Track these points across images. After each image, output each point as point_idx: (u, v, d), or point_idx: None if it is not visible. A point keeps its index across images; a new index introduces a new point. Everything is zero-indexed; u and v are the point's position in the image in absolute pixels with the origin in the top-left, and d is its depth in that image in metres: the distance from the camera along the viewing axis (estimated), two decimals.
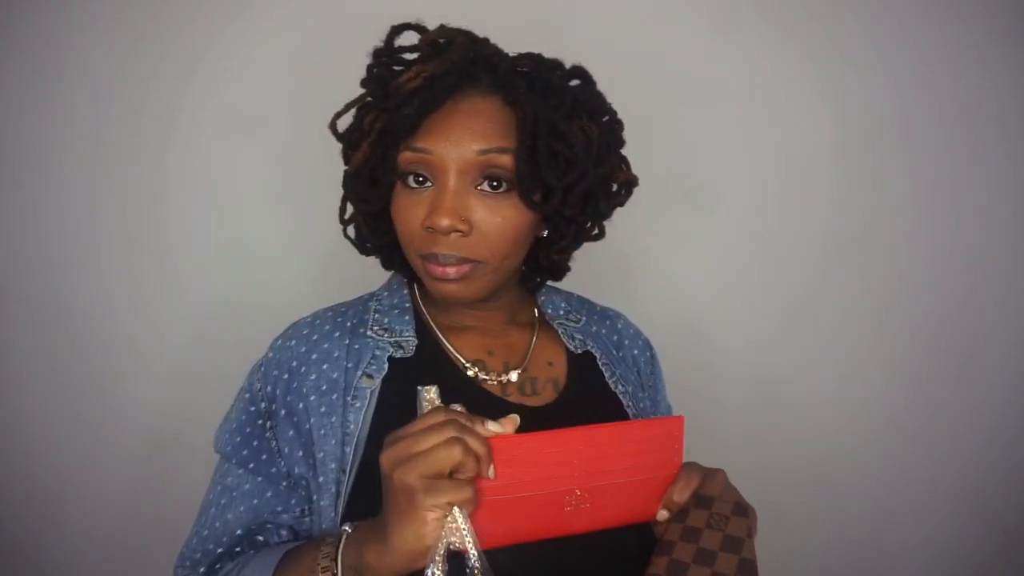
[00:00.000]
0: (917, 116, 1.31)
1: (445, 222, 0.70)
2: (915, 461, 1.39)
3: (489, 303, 0.82)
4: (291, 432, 0.76)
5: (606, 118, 0.78)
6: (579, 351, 0.84)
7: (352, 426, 0.74)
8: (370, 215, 0.79)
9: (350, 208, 0.83)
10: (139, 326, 1.25)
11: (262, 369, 0.80)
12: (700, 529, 0.67)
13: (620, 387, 0.84)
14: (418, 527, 0.57)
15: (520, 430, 0.67)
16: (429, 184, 0.72)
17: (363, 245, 0.85)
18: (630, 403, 0.83)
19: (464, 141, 0.71)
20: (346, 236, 0.84)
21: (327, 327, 0.81)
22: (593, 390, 0.83)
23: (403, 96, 0.72)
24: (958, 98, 1.30)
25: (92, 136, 1.20)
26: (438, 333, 0.82)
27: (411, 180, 0.73)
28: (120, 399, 1.26)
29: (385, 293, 0.86)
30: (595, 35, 1.20)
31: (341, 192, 0.80)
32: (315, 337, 0.79)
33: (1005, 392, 1.39)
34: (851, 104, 1.30)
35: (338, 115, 0.77)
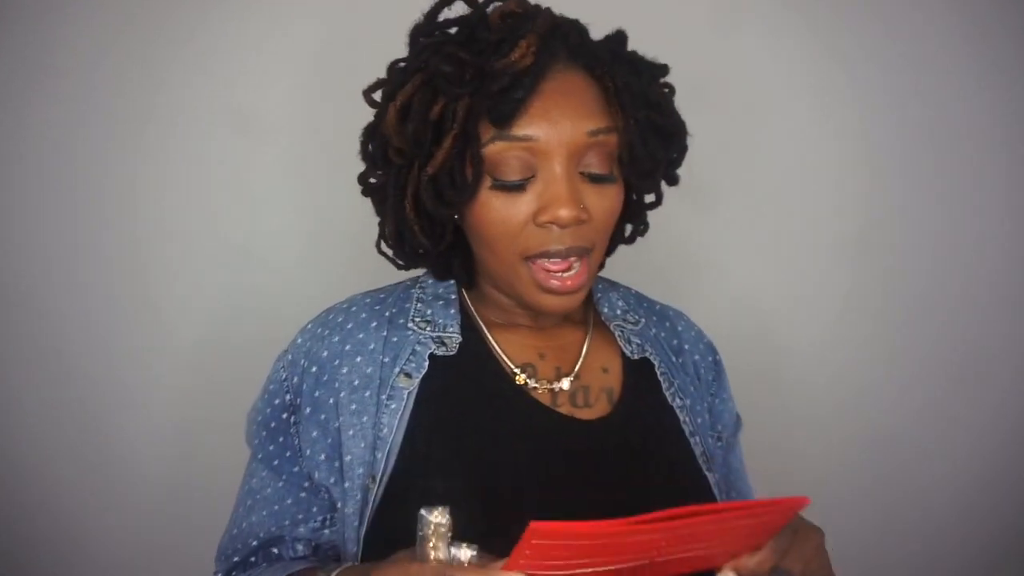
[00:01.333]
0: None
1: (569, 213, 0.63)
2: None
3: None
4: (315, 432, 0.71)
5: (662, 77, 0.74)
6: (636, 357, 0.76)
7: (385, 430, 0.67)
8: (435, 216, 0.70)
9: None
10: (147, 326, 1.25)
11: (289, 357, 0.75)
12: None
13: (678, 400, 0.76)
14: None
15: (569, 446, 0.64)
16: (528, 176, 0.65)
17: (412, 256, 0.75)
18: (687, 418, 0.76)
19: (571, 123, 0.64)
20: (381, 251, 0.76)
21: (363, 315, 0.74)
22: (650, 403, 0.75)
23: (511, 77, 0.63)
24: (961, 96, 1.30)
25: (95, 136, 1.20)
26: (485, 331, 0.74)
27: (507, 174, 0.65)
28: (129, 400, 1.26)
29: (430, 280, 0.78)
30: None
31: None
32: (349, 326, 0.73)
33: None
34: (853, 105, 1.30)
35: (370, 90, 0.70)
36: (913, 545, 1.36)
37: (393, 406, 0.68)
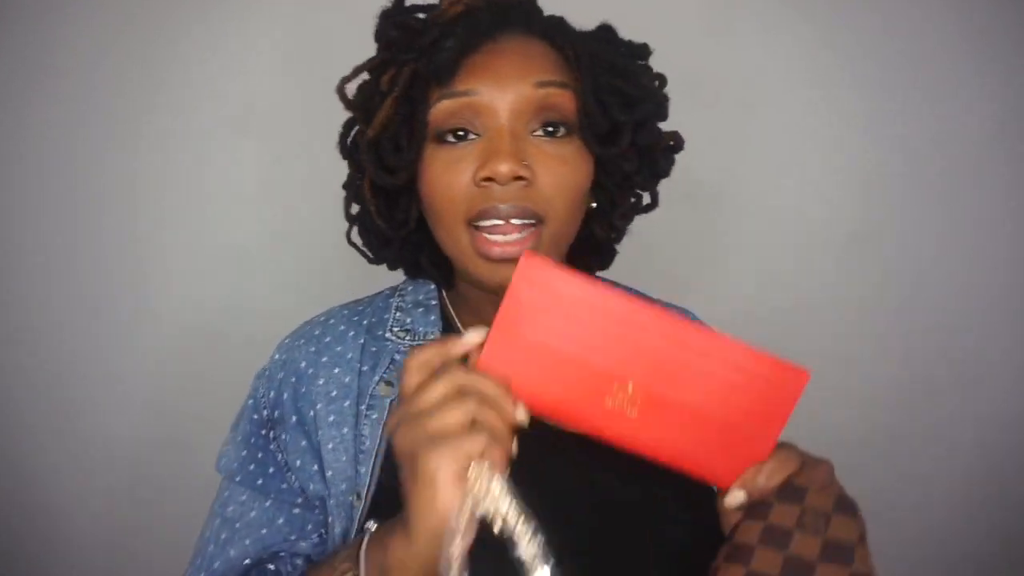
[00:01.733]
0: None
1: (505, 167, 0.58)
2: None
3: None
4: (304, 442, 0.66)
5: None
6: None
7: (368, 441, 0.63)
8: (391, 196, 0.68)
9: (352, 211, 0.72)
10: (137, 326, 1.25)
11: (267, 373, 0.71)
12: (789, 531, 0.49)
13: None
14: (430, 493, 0.46)
15: (564, 462, 0.58)
16: (473, 137, 0.61)
17: (377, 247, 0.72)
18: None
19: (516, 76, 0.60)
20: (350, 242, 0.73)
21: (341, 327, 0.71)
22: None
23: (441, 28, 0.61)
24: (960, 94, 1.30)
25: (91, 135, 1.20)
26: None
27: (449, 136, 0.62)
28: (117, 399, 1.27)
29: (409, 288, 0.74)
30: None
31: (335, 193, 0.73)
32: (327, 339, 0.70)
33: None
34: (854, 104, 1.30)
35: (347, 79, 0.67)
36: (913, 544, 1.36)
37: (375, 416, 0.64)
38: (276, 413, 0.68)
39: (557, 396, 0.50)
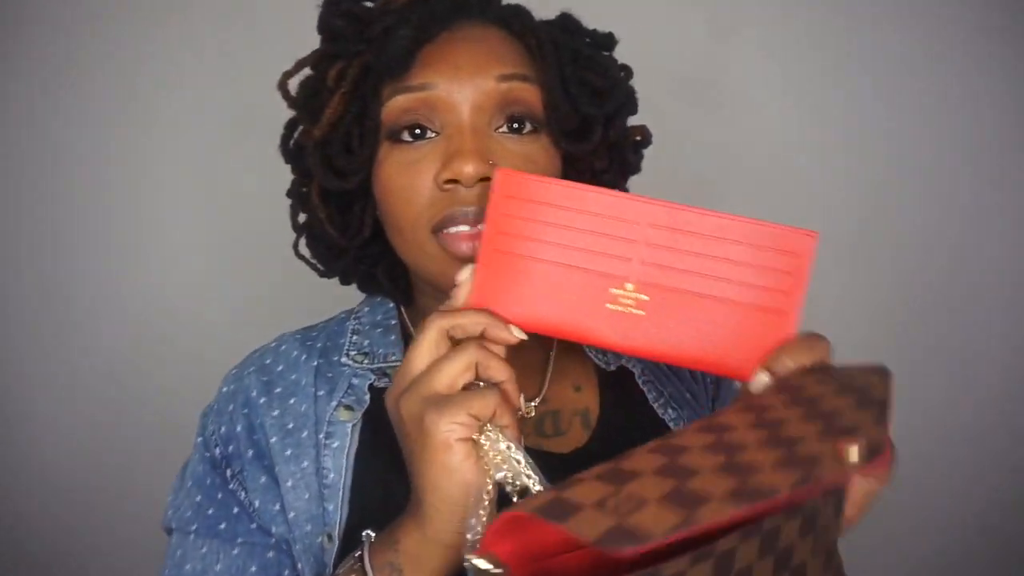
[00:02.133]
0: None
1: (470, 167, 0.53)
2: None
3: None
4: (263, 478, 0.59)
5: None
6: (612, 367, 0.66)
7: (332, 475, 0.56)
8: (343, 202, 0.62)
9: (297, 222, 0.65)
10: (131, 326, 1.25)
11: (215, 407, 0.63)
12: (819, 395, 0.43)
13: (671, 411, 0.65)
14: (441, 459, 0.43)
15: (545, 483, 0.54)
16: (431, 135, 0.56)
17: (328, 258, 0.65)
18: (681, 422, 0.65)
19: (477, 68, 0.55)
20: (298, 254, 0.67)
21: (293, 352, 0.64)
22: (637, 421, 0.64)
23: (392, 17, 0.56)
24: (959, 97, 1.30)
25: (77, 136, 1.21)
26: None
27: (405, 134, 0.56)
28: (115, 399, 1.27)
29: (366, 308, 0.68)
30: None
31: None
32: (279, 367, 0.63)
33: None
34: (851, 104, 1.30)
35: (289, 74, 0.60)
36: (912, 543, 1.36)
37: (336, 444, 0.58)
38: (231, 448, 0.61)
39: (556, 311, 0.48)
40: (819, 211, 1.31)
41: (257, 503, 0.58)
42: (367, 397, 0.60)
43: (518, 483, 0.44)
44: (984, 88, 1.29)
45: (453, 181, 0.54)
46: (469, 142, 0.54)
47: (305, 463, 0.58)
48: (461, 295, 0.49)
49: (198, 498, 0.60)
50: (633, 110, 0.64)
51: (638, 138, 0.66)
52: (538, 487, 0.43)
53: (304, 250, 0.66)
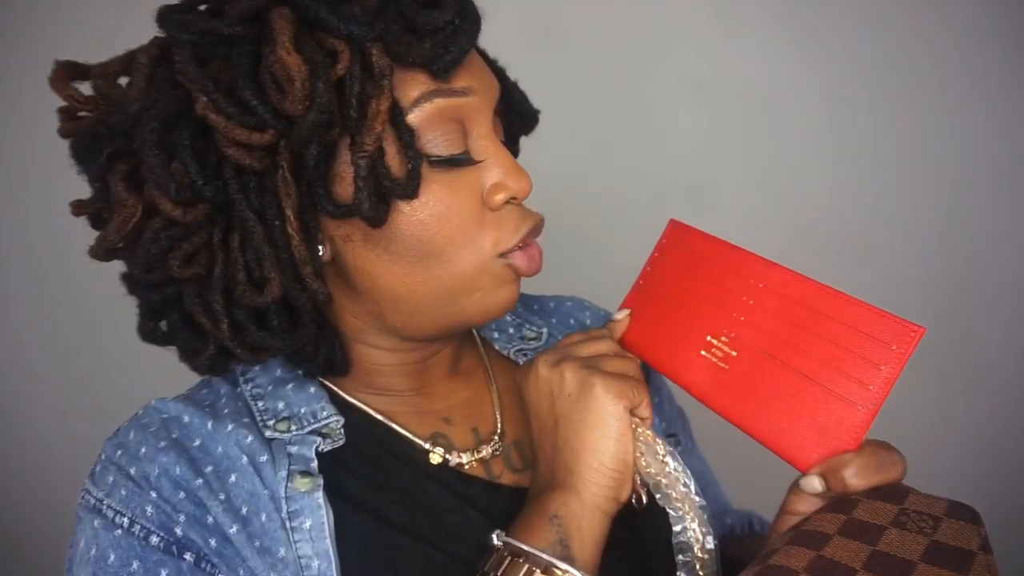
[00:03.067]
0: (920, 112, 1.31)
1: (528, 180, 0.50)
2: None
3: (447, 340, 0.55)
4: (241, 572, 0.46)
5: None
6: None
7: (316, 563, 0.45)
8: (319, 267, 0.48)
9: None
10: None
11: (121, 493, 0.47)
12: (882, 527, 0.39)
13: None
14: (609, 423, 0.46)
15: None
16: (466, 148, 0.49)
17: (228, 355, 0.50)
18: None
19: (487, 70, 0.51)
20: (147, 337, 0.53)
21: (196, 420, 0.50)
22: None
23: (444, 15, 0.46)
24: (960, 96, 1.30)
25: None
26: (362, 406, 0.53)
27: (441, 146, 0.48)
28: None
29: (255, 368, 0.54)
30: (595, 35, 1.21)
31: None
32: (196, 441, 0.49)
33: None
34: (851, 104, 1.30)
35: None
36: None
37: (307, 524, 0.46)
38: (179, 532, 0.47)
39: (655, 338, 0.53)
40: (820, 209, 1.32)
41: None
42: (314, 465, 0.48)
43: (652, 469, 0.47)
44: (989, 87, 1.29)
45: (512, 198, 0.50)
46: (512, 156, 0.51)
47: (282, 551, 0.45)
48: (619, 330, 0.55)
49: None
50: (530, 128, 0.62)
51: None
52: (683, 478, 0.46)
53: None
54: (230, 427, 0.49)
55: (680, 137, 1.27)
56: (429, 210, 0.47)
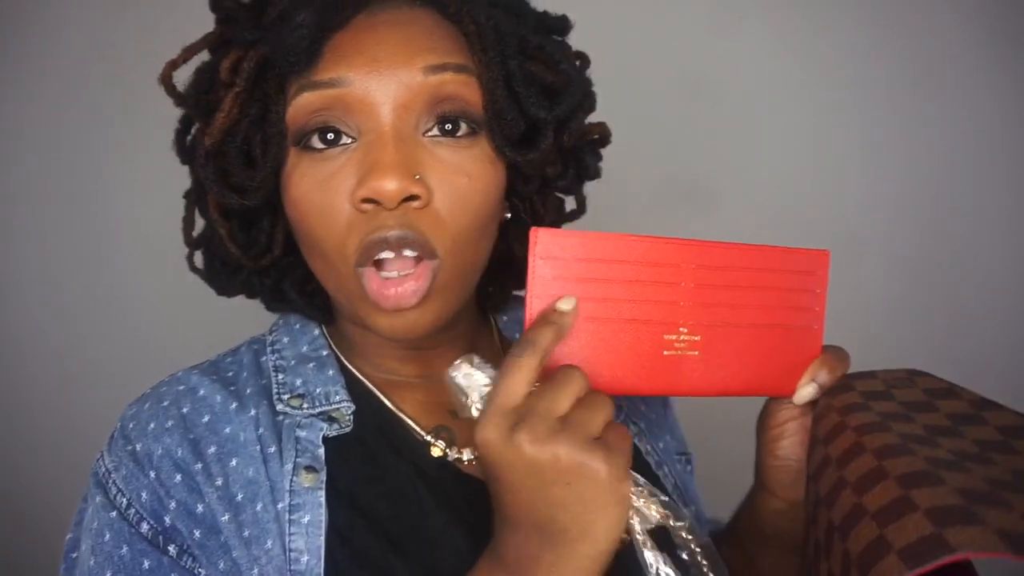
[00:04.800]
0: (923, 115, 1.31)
1: (392, 184, 0.44)
2: None
3: (443, 336, 0.54)
4: (221, 564, 0.46)
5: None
6: None
7: (305, 559, 0.45)
8: (247, 215, 0.52)
9: (199, 223, 0.55)
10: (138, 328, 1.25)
11: (120, 471, 0.49)
12: (882, 390, 0.49)
13: (631, 427, 0.60)
14: (616, 511, 0.39)
15: None
16: (348, 142, 0.47)
17: (224, 276, 0.55)
18: (649, 446, 0.60)
19: (400, 58, 0.46)
20: (193, 268, 0.57)
21: (216, 398, 0.51)
22: None
23: (290, 1, 0.47)
24: (963, 95, 1.30)
25: (81, 136, 1.21)
26: (376, 392, 0.54)
27: (315, 140, 0.47)
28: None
29: (284, 339, 0.56)
30: (595, 34, 1.21)
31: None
32: (205, 418, 0.49)
33: None
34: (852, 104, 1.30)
35: (175, 64, 0.50)
36: None
37: (306, 519, 0.46)
38: (168, 521, 0.47)
39: (617, 370, 0.46)
40: (820, 209, 1.32)
41: None
42: (321, 452, 0.48)
43: (640, 528, 0.43)
44: (989, 87, 1.29)
45: (371, 201, 0.45)
46: (391, 152, 0.45)
47: (269, 543, 0.45)
48: (565, 326, 0.43)
49: None
50: (590, 108, 0.56)
51: (596, 136, 0.58)
52: (676, 518, 0.43)
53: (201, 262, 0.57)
54: (252, 412, 0.50)
55: (680, 137, 1.27)
56: (296, 198, 0.48)
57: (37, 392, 1.27)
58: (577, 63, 0.56)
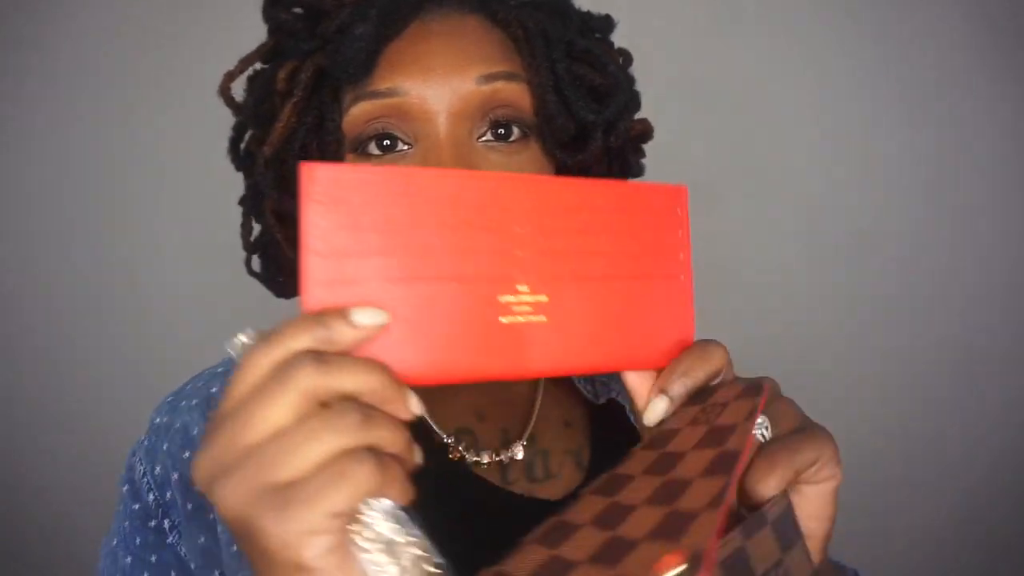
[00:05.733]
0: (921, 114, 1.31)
1: None
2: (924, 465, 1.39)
3: None
4: (202, 539, 0.48)
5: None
6: (601, 400, 0.57)
7: None
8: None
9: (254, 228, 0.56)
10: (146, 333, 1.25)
11: (144, 444, 0.52)
12: (677, 430, 0.38)
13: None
14: None
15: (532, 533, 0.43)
16: (404, 148, 0.48)
17: (283, 281, 0.57)
18: None
19: (454, 67, 0.47)
20: (251, 272, 0.58)
21: None
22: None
23: (348, 11, 0.48)
24: (963, 95, 1.30)
25: (89, 140, 1.21)
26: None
27: (372, 146, 0.48)
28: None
29: None
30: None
31: None
32: None
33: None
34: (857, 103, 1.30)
35: (232, 75, 0.52)
36: (910, 544, 1.36)
37: None
38: (168, 495, 0.49)
39: (437, 349, 0.35)
40: (821, 209, 1.32)
41: (195, 567, 0.48)
42: None
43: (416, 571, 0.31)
44: (993, 84, 1.29)
45: None
46: (447, 159, 0.45)
47: None
48: (365, 327, 0.33)
49: (128, 560, 0.49)
50: (636, 107, 0.56)
51: (639, 134, 0.58)
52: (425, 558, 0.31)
53: (258, 266, 0.58)
54: None
55: (681, 137, 1.27)
56: None
57: (45, 395, 1.27)
58: (620, 60, 0.56)
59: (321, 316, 0.32)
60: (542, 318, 0.37)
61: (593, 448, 0.56)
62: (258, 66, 0.53)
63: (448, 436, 0.52)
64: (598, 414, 0.57)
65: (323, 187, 0.33)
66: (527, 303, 0.36)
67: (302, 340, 0.31)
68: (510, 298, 0.36)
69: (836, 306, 1.34)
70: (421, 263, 0.34)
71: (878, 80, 1.29)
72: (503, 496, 0.50)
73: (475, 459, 0.52)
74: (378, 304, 0.33)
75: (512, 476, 0.52)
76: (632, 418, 0.57)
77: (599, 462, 0.54)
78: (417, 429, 0.45)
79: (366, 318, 0.32)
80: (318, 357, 0.31)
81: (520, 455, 0.52)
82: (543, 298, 0.37)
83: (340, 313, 0.32)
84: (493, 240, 0.36)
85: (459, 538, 0.42)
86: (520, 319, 0.36)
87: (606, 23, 0.57)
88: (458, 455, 0.51)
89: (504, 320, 0.36)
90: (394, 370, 0.33)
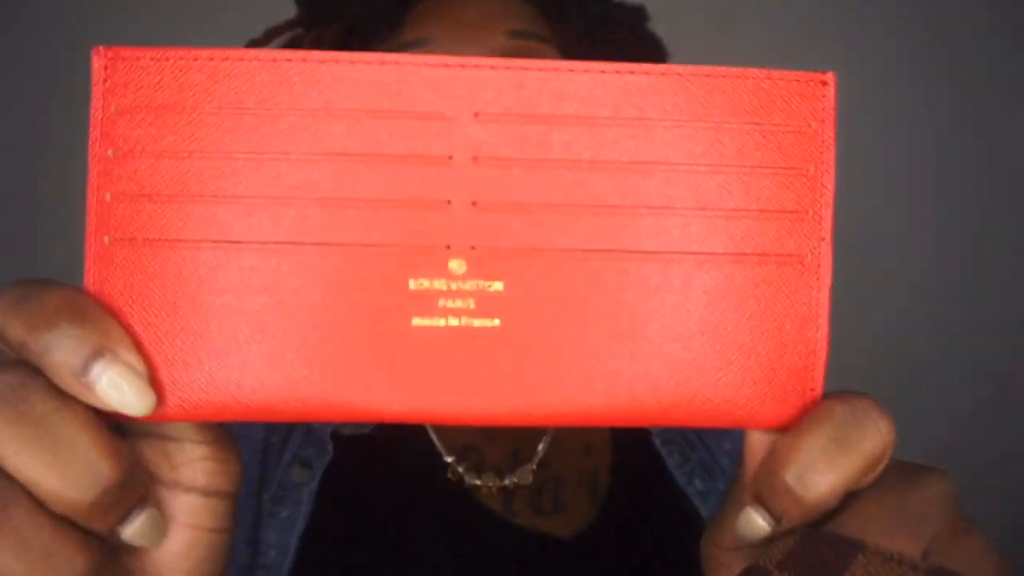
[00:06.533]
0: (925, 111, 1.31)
1: None
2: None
3: None
4: None
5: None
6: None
7: (272, 553, 0.41)
8: None
9: None
10: None
11: None
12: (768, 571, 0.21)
13: (698, 483, 0.48)
14: None
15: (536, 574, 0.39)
16: None
17: None
18: (704, 484, 0.50)
19: (484, 22, 0.44)
20: None
21: None
22: (655, 494, 0.48)
23: None
24: (964, 95, 1.30)
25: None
26: None
27: None
28: None
29: None
30: None
31: None
32: None
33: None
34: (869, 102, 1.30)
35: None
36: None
37: (284, 514, 0.43)
38: None
39: (301, 365, 0.21)
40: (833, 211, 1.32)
41: None
42: (329, 448, 0.44)
43: None
44: (995, 84, 1.29)
45: None
46: None
47: (236, 530, 0.37)
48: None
49: None
50: None
51: None
52: None
53: None
54: None
55: None
56: None
57: None
58: (648, 22, 0.54)
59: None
60: (493, 322, 0.21)
61: (612, 477, 0.48)
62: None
63: (451, 454, 0.46)
64: (625, 438, 0.49)
65: (119, 74, 0.21)
66: (464, 292, 0.21)
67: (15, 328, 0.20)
68: (427, 283, 0.21)
69: (836, 306, 1.34)
70: (265, 212, 0.20)
71: (880, 80, 1.29)
72: (500, 527, 0.44)
73: (475, 482, 0.45)
74: (193, 282, 0.20)
75: (516, 506, 0.45)
76: (659, 443, 0.48)
77: (617, 495, 0.46)
78: (417, 443, 0.45)
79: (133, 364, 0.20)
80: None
81: (528, 481, 0.45)
82: (498, 286, 0.21)
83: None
84: (421, 175, 0.20)
85: (451, 556, 0.40)
86: (451, 322, 0.21)
87: (639, 14, 0.54)
88: (454, 475, 0.45)
89: (417, 323, 0.21)
90: (188, 398, 0.20)
